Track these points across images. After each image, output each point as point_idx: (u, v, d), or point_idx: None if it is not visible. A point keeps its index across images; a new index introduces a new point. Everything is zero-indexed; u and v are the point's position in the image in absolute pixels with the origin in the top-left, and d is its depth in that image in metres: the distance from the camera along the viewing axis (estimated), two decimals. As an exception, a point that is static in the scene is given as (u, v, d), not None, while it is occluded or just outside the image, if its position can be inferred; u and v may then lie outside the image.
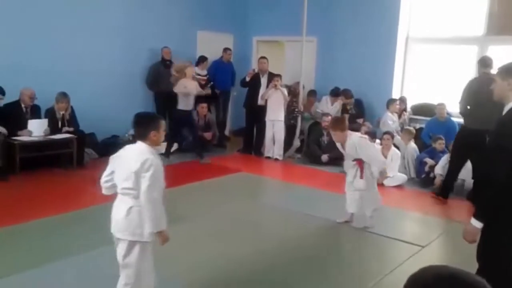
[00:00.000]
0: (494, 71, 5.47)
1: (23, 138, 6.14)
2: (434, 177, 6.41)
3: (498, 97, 2.74)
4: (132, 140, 7.90)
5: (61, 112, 6.63)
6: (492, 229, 2.54)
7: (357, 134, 4.72)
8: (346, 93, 8.16)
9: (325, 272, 3.81)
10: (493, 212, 2.52)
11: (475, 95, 5.49)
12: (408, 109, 8.17)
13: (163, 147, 7.71)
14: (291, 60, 9.13)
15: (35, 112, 6.51)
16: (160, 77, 8.14)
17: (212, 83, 8.72)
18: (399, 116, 7.90)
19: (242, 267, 3.74)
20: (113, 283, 3.29)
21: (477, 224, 2.54)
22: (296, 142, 8.32)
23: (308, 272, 3.79)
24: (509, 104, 2.60)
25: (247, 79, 8.07)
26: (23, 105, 6.34)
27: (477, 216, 2.56)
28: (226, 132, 9.50)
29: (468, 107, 5.62)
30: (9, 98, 6.22)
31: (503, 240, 2.61)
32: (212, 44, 9.12)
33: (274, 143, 7.91)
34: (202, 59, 8.64)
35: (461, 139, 5.78)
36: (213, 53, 9.01)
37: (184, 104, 7.31)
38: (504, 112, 2.63)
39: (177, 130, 7.58)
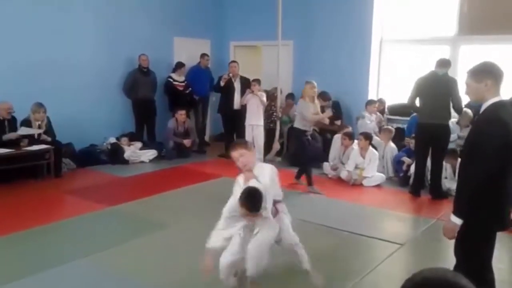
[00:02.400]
0: (448, 70, 5.86)
1: (-2, 150, 6.04)
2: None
3: (475, 99, 2.77)
4: (111, 149, 7.85)
5: (37, 123, 6.54)
6: (469, 225, 2.60)
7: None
8: (324, 96, 8.22)
9: (305, 272, 3.83)
10: (471, 210, 2.58)
11: (424, 92, 5.87)
12: (386, 109, 8.29)
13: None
14: (268, 64, 9.18)
15: (12, 125, 6.40)
16: (137, 84, 8.10)
17: (190, 89, 8.73)
18: (379, 117, 8.01)
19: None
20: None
21: (457, 221, 2.61)
22: (276, 146, 8.36)
23: (288, 272, 3.80)
24: (486, 103, 2.64)
25: (222, 84, 8.10)
26: (1, 118, 6.24)
27: (456, 212, 2.62)
28: (206, 138, 9.49)
29: (417, 102, 5.97)
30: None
31: (479, 236, 2.67)
32: (189, 50, 9.12)
33: (254, 147, 7.92)
34: (179, 66, 8.62)
35: (418, 134, 6.13)
36: (190, 59, 9.01)
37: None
38: (481, 111, 2.68)
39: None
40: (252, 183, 3.12)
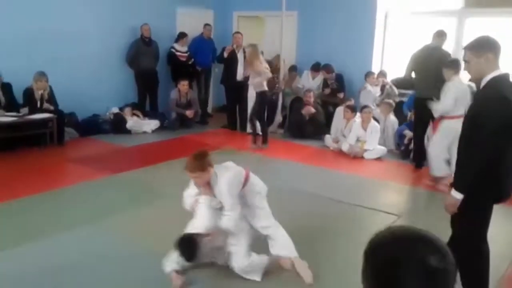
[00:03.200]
0: (444, 42, 5.90)
1: (1, 118, 6.07)
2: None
3: (476, 76, 2.66)
4: (113, 119, 7.90)
5: (40, 92, 6.55)
6: (468, 198, 2.61)
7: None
8: (327, 68, 8.18)
9: (308, 243, 3.89)
10: (471, 184, 2.59)
11: (418, 66, 5.91)
12: (389, 81, 8.22)
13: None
14: (272, 36, 9.08)
15: (7, 90, 6.39)
16: (140, 55, 8.05)
17: (193, 59, 8.68)
18: (381, 90, 7.96)
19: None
20: (91, 263, 3.34)
21: (458, 196, 2.61)
22: (278, 118, 8.37)
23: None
24: (486, 78, 2.58)
25: (225, 55, 8.03)
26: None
27: (457, 188, 2.63)
28: (209, 109, 9.48)
29: (413, 75, 5.99)
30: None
31: (478, 208, 2.68)
32: (192, 21, 9.02)
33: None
34: (181, 36, 8.55)
35: (416, 108, 6.18)
36: (193, 30, 8.92)
37: None
38: (482, 85, 2.62)
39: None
40: (205, 199, 3.07)
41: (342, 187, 5.36)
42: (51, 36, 7.08)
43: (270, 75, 7.21)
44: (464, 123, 2.69)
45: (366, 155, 6.68)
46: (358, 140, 6.80)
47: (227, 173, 3.09)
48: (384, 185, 5.65)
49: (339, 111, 7.44)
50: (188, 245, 2.88)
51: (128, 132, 7.54)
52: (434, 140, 5.42)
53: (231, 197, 3.02)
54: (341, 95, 8.09)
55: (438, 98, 5.55)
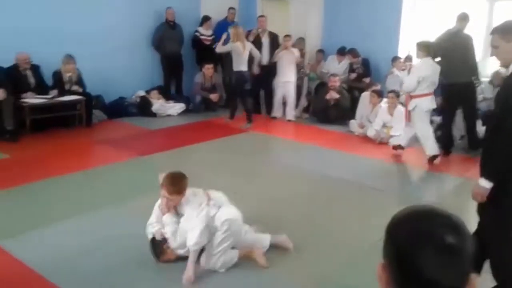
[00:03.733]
0: (467, 25, 5.80)
1: (32, 100, 6.21)
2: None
3: (506, 62, 2.58)
4: (139, 102, 7.99)
5: (68, 74, 6.66)
6: (498, 190, 2.47)
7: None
8: (353, 52, 8.08)
9: (334, 228, 3.90)
10: (500, 175, 2.47)
11: (445, 51, 5.75)
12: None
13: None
14: (297, 19, 8.99)
15: (36, 72, 6.51)
16: (165, 38, 8.08)
17: (217, 43, 8.65)
18: (409, 74, 7.81)
19: (253, 218, 3.82)
20: (118, 243, 3.41)
21: (486, 184, 2.50)
22: (303, 102, 8.33)
23: (315, 227, 3.88)
24: None
25: (250, 39, 7.98)
26: (21, 69, 6.34)
27: (485, 176, 2.51)
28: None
29: (439, 61, 5.77)
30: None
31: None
32: (216, 4, 8.98)
33: (284, 104, 7.88)
34: (205, 19, 8.54)
35: (444, 95, 6.04)
36: (218, 13, 8.89)
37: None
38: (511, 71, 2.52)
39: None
40: (167, 218, 3.17)
41: (368, 173, 5.32)
42: (79, 20, 7.15)
43: (255, 55, 7.35)
44: (495, 109, 2.61)
45: (392, 140, 6.60)
46: (384, 125, 6.72)
47: (195, 199, 3.12)
48: (411, 171, 5.59)
49: (365, 96, 7.35)
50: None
51: (153, 115, 7.62)
52: (417, 124, 5.58)
53: (199, 222, 3.02)
54: (367, 80, 7.99)
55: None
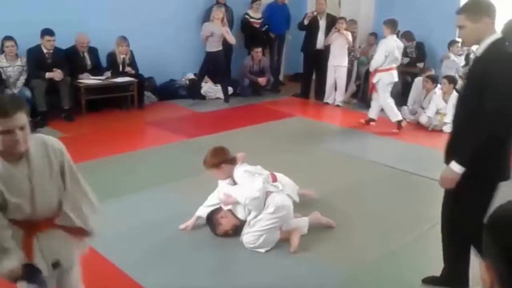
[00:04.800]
0: None
1: (87, 81, 6.42)
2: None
3: (471, 43, 2.49)
4: (189, 85, 8.06)
5: (122, 56, 6.82)
6: (470, 176, 2.34)
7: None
8: (407, 36, 7.79)
9: (382, 216, 3.84)
10: (473, 159, 2.33)
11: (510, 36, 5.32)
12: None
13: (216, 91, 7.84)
14: (349, 1, 8.76)
15: (93, 54, 6.70)
16: (215, 20, 8.08)
17: (267, 26, 8.60)
18: (466, 59, 7.48)
19: (302, 203, 3.81)
20: (165, 223, 3.50)
21: (457, 169, 2.34)
22: (352, 87, 8.16)
23: (363, 214, 3.83)
24: (484, 42, 2.35)
25: (306, 22, 7.84)
26: (80, 51, 6.55)
27: (457, 159, 2.36)
28: (280, 77, 9.42)
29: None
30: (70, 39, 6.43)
31: (482, 188, 2.41)
32: (267, -15, 8.89)
33: (335, 89, 7.73)
34: (254, 0, 8.47)
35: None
36: (269, -5, 8.80)
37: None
38: (482, 51, 2.37)
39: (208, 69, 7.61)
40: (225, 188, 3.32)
41: (419, 161, 5.17)
42: (132, 2, 7.28)
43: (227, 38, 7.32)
44: (465, 89, 2.50)
45: (445, 128, 6.36)
46: (437, 112, 6.48)
47: (244, 172, 3.29)
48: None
49: (418, 81, 7.11)
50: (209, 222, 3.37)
51: (203, 97, 7.70)
52: (381, 95, 6.30)
53: (249, 180, 3.20)
54: (421, 65, 7.71)
55: None
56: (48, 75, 6.03)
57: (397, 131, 6.26)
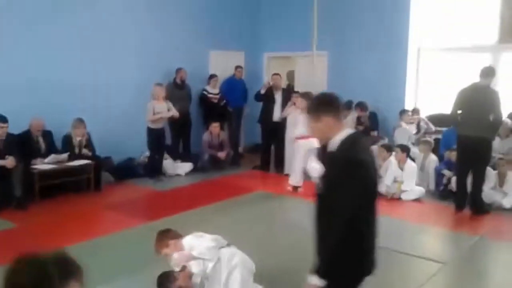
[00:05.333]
0: (493, 80, 5.73)
1: (41, 166, 6.23)
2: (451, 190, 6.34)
3: (323, 140, 2.36)
4: (147, 163, 7.92)
5: (78, 138, 6.72)
6: (333, 280, 2.20)
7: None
8: (362, 106, 8.12)
9: None
10: (333, 264, 2.19)
11: (465, 104, 5.74)
12: (423, 117, 8.08)
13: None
14: (303, 75, 9.15)
15: (48, 137, 6.59)
16: (173, 98, 8.09)
17: (225, 101, 8.78)
18: (417, 127, 7.83)
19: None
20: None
21: (318, 282, 2.17)
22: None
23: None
24: (333, 140, 2.25)
25: (262, 91, 8.08)
26: (34, 135, 6.44)
27: (316, 272, 2.18)
28: (240, 150, 9.51)
29: (459, 113, 5.80)
30: (24, 120, 6.31)
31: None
32: (224, 62, 9.19)
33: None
34: (211, 77, 8.71)
35: (459, 147, 5.92)
36: (225, 71, 9.08)
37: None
38: (330, 149, 2.27)
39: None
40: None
41: (381, 232, 5.18)
42: (90, 86, 7.28)
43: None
44: (322, 188, 2.33)
45: (403, 196, 6.51)
46: (395, 180, 6.64)
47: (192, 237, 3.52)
48: (424, 229, 5.46)
49: (373, 150, 7.32)
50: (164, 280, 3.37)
51: (162, 174, 7.60)
52: (297, 157, 6.86)
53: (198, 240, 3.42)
54: (374, 133, 7.99)
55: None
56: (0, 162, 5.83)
57: (290, 189, 6.93)
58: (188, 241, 3.46)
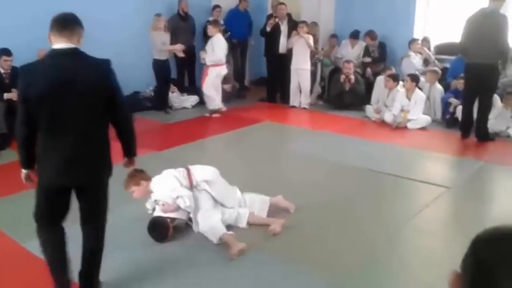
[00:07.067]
0: (502, 4, 5.60)
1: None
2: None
3: None
4: (154, 96, 7.89)
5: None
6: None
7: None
8: (371, 34, 7.92)
9: (352, 217, 3.88)
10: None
11: (472, 31, 5.61)
12: (432, 49, 7.92)
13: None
14: (309, 4, 8.85)
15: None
16: (178, 31, 7.98)
17: (229, 33, 8.59)
18: (425, 61, 7.69)
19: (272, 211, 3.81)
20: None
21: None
22: (317, 89, 8.25)
23: (335, 217, 3.86)
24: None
25: (268, 29, 7.89)
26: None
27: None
28: (245, 83, 9.44)
29: (467, 41, 5.68)
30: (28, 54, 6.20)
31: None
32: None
33: (300, 92, 7.79)
34: (214, 8, 8.46)
35: (466, 75, 5.87)
36: (229, 2, 8.81)
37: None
38: None
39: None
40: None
41: (385, 159, 5.27)
42: (93, 19, 6.95)
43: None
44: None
45: (409, 125, 6.53)
46: (401, 109, 6.63)
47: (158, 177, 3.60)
48: (429, 156, 5.52)
49: (380, 80, 7.25)
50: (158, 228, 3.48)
51: (169, 107, 7.61)
52: (208, 83, 7.09)
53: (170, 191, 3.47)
54: (381, 64, 7.86)
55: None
56: (6, 96, 5.82)
57: (208, 115, 7.20)
58: (154, 183, 3.57)
